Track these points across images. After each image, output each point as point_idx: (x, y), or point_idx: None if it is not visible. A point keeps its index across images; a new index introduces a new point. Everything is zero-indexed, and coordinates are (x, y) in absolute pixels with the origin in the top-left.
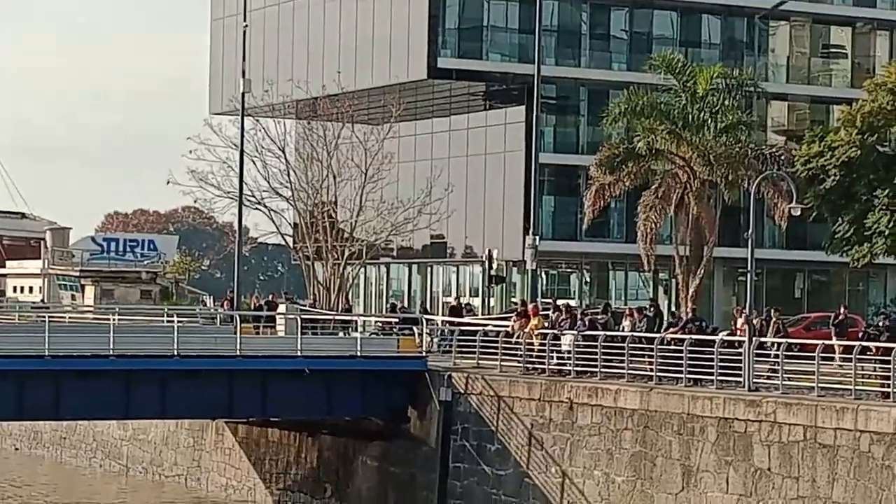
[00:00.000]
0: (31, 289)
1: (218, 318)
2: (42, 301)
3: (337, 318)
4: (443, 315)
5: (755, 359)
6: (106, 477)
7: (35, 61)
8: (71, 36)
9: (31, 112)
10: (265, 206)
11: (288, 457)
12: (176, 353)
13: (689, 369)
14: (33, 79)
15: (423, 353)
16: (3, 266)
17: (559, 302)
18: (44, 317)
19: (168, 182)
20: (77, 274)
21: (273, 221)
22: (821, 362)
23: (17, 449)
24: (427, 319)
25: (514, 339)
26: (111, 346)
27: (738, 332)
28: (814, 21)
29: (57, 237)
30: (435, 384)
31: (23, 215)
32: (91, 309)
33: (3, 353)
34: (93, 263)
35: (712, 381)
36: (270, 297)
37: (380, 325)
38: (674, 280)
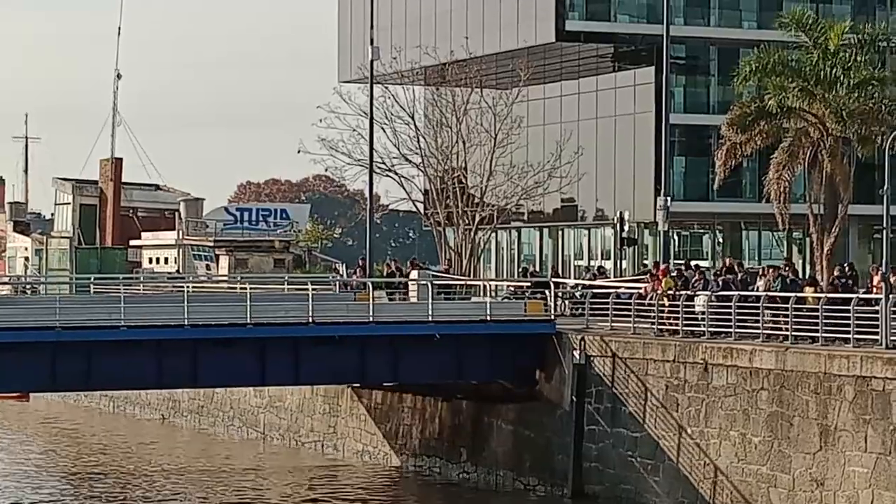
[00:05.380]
0: (166, 259)
1: (337, 286)
2: (177, 271)
3: (468, 283)
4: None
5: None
6: (244, 444)
7: (164, 33)
8: (199, 5)
9: (162, 85)
10: (395, 173)
11: (422, 421)
12: (310, 320)
13: (824, 328)
14: (161, 51)
15: (552, 317)
16: (139, 237)
17: (686, 263)
18: (179, 286)
19: (299, 151)
20: (211, 244)
21: (404, 188)
22: None
23: (164, 417)
24: (557, 283)
25: (646, 301)
26: (248, 315)
27: (875, 289)
28: None
29: (191, 208)
30: (564, 347)
31: (157, 187)
32: (225, 278)
33: (144, 324)
34: (226, 233)
35: (849, 339)
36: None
37: (511, 289)
38: (808, 239)
